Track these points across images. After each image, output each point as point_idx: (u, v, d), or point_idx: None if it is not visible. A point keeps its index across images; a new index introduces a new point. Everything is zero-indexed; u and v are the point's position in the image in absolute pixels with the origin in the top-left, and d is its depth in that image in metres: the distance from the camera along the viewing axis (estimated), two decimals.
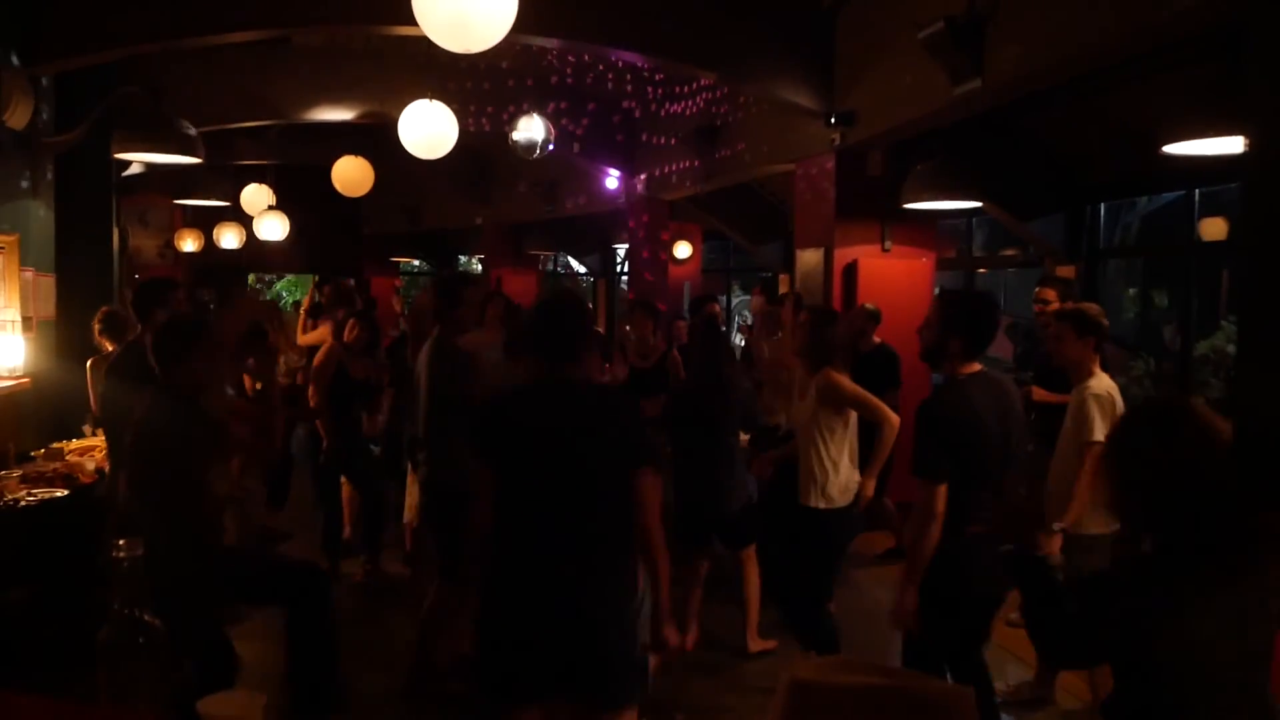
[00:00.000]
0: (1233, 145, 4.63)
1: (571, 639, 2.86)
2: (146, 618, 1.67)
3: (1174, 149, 4.90)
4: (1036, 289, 6.07)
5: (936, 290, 8.17)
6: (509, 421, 3.03)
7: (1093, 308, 4.52)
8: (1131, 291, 12.51)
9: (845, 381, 4.67)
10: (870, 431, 4.73)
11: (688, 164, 10.03)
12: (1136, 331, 12.02)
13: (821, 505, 4.59)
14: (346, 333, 6.32)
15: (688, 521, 5.21)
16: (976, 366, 3.46)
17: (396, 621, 5.51)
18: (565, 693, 2.93)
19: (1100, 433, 4.08)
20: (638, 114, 10.95)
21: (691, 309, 6.58)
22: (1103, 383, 4.29)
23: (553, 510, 2.92)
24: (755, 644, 5.26)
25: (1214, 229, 8.04)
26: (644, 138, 11.07)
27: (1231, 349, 9.41)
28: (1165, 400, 2.34)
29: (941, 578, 3.33)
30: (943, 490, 3.28)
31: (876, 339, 6.77)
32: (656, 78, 9.75)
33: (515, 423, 3.01)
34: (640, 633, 3.13)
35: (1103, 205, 7.82)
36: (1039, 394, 5.41)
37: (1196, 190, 7.21)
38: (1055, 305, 5.63)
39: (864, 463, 4.73)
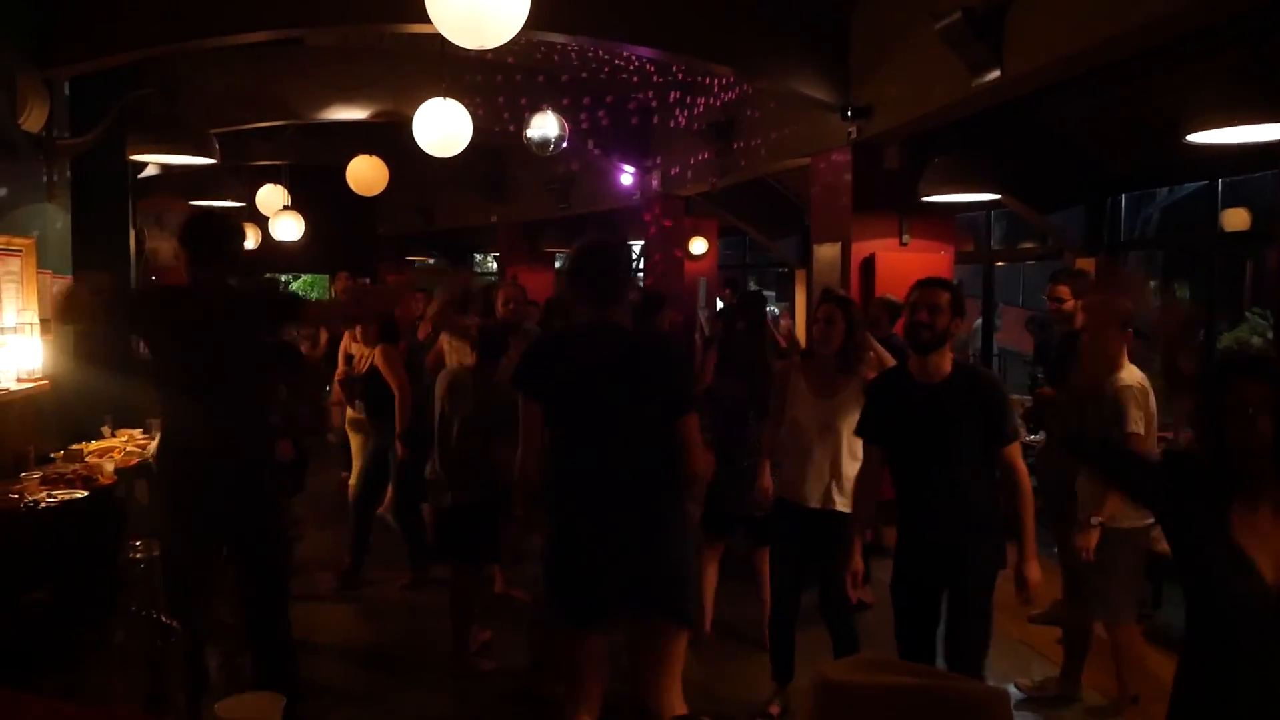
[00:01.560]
0: (1258, 134, 4.56)
1: (637, 561, 3.03)
2: (163, 619, 1.65)
3: (1197, 138, 4.82)
4: (1049, 285, 5.96)
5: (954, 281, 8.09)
6: (559, 361, 3.15)
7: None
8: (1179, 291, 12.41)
9: None
10: None
11: (703, 159, 9.98)
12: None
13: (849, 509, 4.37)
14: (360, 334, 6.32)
15: (715, 510, 5.16)
16: None
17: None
18: (635, 611, 3.10)
19: (1137, 424, 4.04)
20: (653, 109, 10.91)
21: (742, 304, 6.46)
22: (1134, 374, 4.21)
23: (605, 446, 3.07)
24: None
25: (1237, 219, 7.95)
26: (659, 133, 11.05)
27: (1256, 340, 9.33)
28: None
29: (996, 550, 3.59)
30: None
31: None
32: (674, 69, 9.69)
33: (565, 363, 3.13)
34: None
35: (1123, 197, 7.74)
36: (1049, 394, 5.36)
37: (1219, 180, 7.12)
38: (1070, 303, 5.54)
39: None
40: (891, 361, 4.68)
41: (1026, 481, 3.57)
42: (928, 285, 3.60)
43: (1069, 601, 4.60)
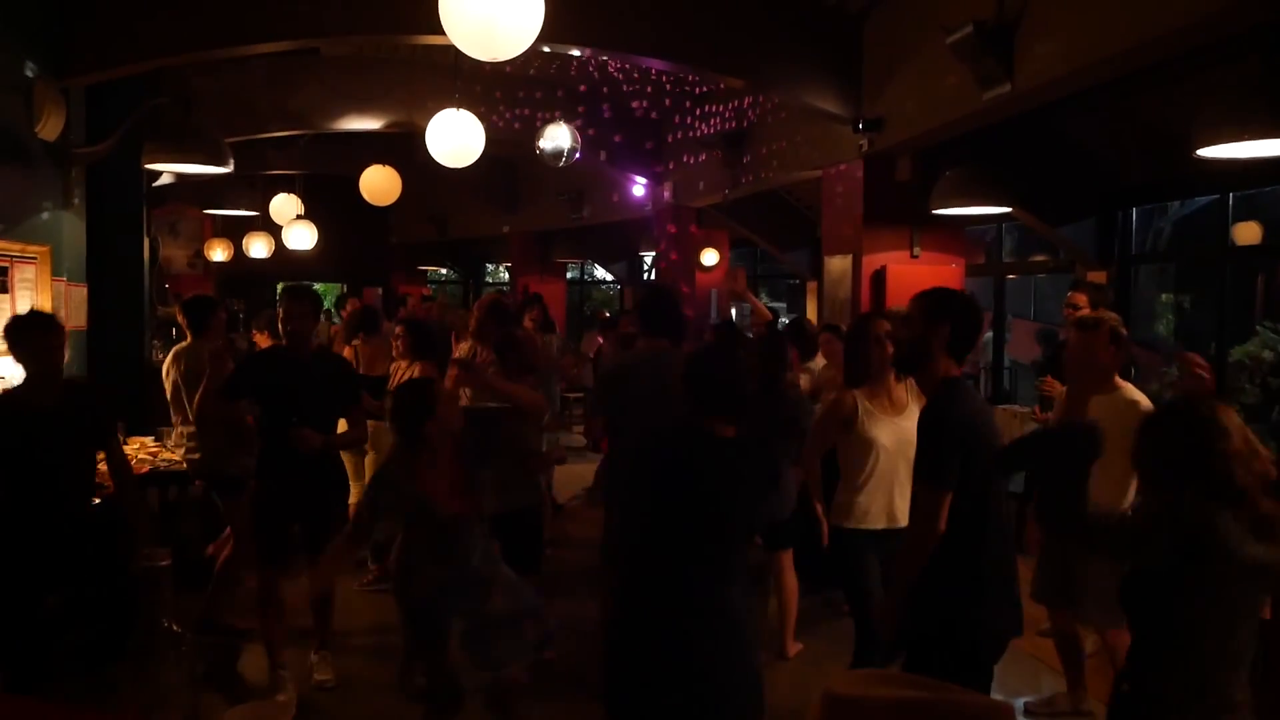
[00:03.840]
0: (1270, 148, 4.54)
1: (699, 678, 2.76)
2: (175, 627, 1.66)
3: (1208, 152, 4.81)
4: (1069, 293, 6.02)
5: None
6: (650, 465, 2.95)
7: (1113, 316, 4.44)
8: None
9: None
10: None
11: (715, 171, 10.00)
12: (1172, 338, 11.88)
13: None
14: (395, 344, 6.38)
15: None
16: (958, 370, 3.21)
17: None
18: None
19: None
20: (665, 121, 10.94)
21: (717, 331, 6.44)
22: (1141, 395, 4.22)
23: (675, 549, 2.82)
24: (793, 647, 5.30)
25: (1248, 233, 7.94)
26: (671, 145, 11.07)
27: (1268, 355, 9.28)
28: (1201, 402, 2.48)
29: (955, 609, 3.05)
30: (948, 499, 3.04)
31: None
32: (690, 78, 9.71)
33: (658, 469, 2.91)
34: None
35: (1134, 210, 7.72)
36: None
37: (1231, 194, 7.09)
38: (1085, 311, 5.55)
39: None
40: None
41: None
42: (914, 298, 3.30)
43: (1050, 606, 4.55)
